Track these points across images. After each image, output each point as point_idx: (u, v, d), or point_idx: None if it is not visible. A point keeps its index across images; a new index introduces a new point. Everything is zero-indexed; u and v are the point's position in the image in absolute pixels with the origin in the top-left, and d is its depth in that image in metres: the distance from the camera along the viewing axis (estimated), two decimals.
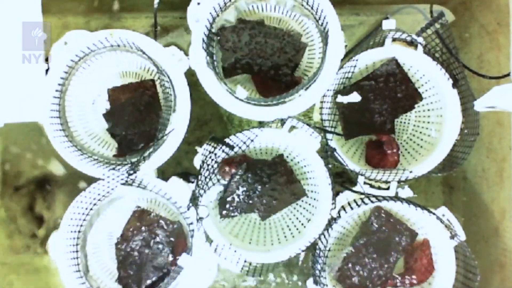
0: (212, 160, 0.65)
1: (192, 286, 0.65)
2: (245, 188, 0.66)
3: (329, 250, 0.70)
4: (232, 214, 0.67)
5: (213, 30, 0.66)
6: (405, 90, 0.69)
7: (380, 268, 0.67)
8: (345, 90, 0.69)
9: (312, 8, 0.66)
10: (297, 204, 0.72)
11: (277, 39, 0.68)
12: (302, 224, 0.70)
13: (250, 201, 0.66)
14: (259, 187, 0.66)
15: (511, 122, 0.69)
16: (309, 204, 0.70)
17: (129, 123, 0.69)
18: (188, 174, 0.71)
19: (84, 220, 0.66)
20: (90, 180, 0.65)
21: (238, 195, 0.66)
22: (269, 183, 0.66)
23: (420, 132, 0.73)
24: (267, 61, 0.67)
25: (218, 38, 0.67)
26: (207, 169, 0.64)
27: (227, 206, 0.66)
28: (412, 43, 0.67)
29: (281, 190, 0.67)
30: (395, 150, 0.69)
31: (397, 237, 0.68)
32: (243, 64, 0.67)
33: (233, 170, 0.65)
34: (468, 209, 0.80)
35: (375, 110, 0.69)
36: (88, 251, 0.68)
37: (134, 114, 0.69)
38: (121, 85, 0.71)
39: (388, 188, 0.68)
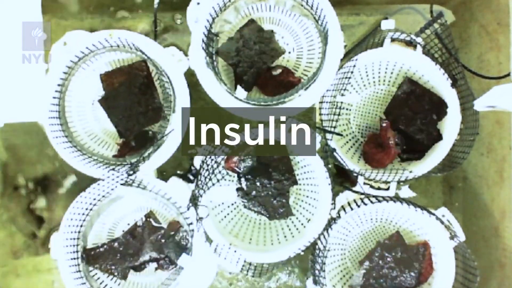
0: (212, 160, 0.65)
1: (192, 286, 0.65)
2: (258, 200, 0.67)
3: (328, 250, 0.70)
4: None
5: (213, 31, 0.66)
6: (429, 101, 0.69)
7: (402, 275, 0.68)
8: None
9: (311, 8, 0.66)
10: (296, 204, 0.72)
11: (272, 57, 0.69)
12: (302, 224, 0.70)
13: (271, 207, 0.67)
14: (263, 193, 0.67)
15: (511, 122, 0.69)
16: (309, 204, 0.70)
17: (125, 106, 0.69)
18: (188, 174, 0.71)
19: (84, 220, 0.66)
20: (88, 179, 0.65)
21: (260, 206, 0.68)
22: (267, 182, 0.67)
23: None
24: (249, 69, 0.69)
25: (218, 38, 0.68)
26: (207, 169, 0.64)
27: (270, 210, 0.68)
28: (411, 43, 0.67)
29: (278, 174, 0.67)
30: (392, 140, 0.69)
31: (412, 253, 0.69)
32: (236, 57, 0.68)
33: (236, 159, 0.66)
34: (468, 209, 0.80)
35: (416, 132, 0.69)
36: None
37: (129, 97, 0.69)
38: (113, 69, 0.71)
39: (388, 189, 0.68)
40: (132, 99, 0.69)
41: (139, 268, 0.68)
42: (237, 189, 0.67)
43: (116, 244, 0.67)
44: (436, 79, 0.68)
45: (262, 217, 0.73)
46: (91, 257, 0.66)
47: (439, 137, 0.68)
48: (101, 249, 0.67)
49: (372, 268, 0.68)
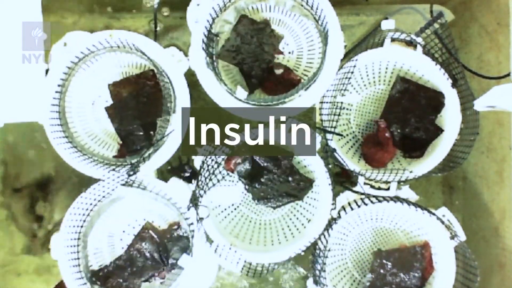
0: (212, 160, 0.65)
1: (192, 286, 0.65)
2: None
3: (329, 250, 0.70)
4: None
5: (213, 31, 0.66)
6: (425, 96, 0.68)
7: (406, 278, 0.67)
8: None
9: (312, 8, 0.66)
10: (297, 204, 0.72)
11: (273, 44, 0.69)
12: (302, 224, 0.70)
13: (293, 190, 0.66)
14: (277, 185, 0.66)
15: (511, 122, 0.69)
16: (309, 204, 0.70)
17: (133, 117, 0.68)
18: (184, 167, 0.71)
19: (84, 221, 0.66)
20: (89, 181, 0.65)
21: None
22: (271, 175, 0.66)
23: None
24: (255, 63, 0.68)
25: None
26: (207, 170, 0.64)
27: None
28: (412, 43, 0.67)
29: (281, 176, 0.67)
30: (388, 135, 0.69)
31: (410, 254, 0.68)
32: (239, 56, 0.68)
33: (237, 160, 0.65)
34: (468, 209, 0.80)
35: (412, 131, 0.69)
36: (89, 251, 0.68)
37: (138, 107, 0.68)
38: (121, 79, 0.70)
39: (388, 189, 0.68)
40: (141, 109, 0.68)
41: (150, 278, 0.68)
42: (258, 201, 0.66)
43: (121, 261, 0.67)
44: (436, 79, 0.68)
45: (263, 217, 0.73)
46: (101, 278, 0.66)
47: (438, 131, 0.68)
48: (110, 268, 0.67)
49: (375, 278, 0.68)
